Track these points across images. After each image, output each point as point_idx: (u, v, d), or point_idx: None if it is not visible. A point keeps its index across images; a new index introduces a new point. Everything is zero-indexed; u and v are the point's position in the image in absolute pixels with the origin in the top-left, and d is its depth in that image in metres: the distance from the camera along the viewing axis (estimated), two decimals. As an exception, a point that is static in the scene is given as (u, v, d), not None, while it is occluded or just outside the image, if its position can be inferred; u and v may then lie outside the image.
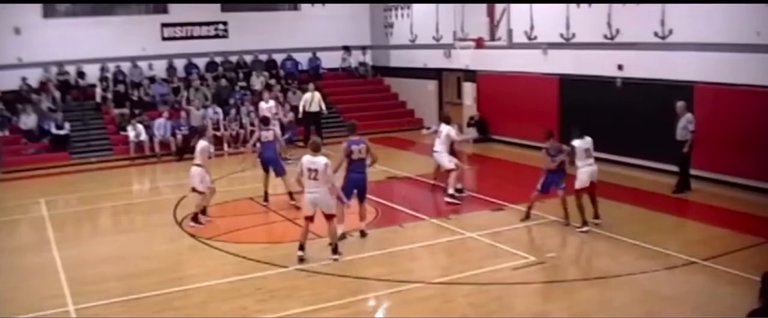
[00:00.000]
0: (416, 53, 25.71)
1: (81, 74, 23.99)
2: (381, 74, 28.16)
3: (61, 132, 21.32)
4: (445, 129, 14.80)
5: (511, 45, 21.01)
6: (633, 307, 8.82)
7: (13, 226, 14.29)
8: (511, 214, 13.53)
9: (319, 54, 27.22)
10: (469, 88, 23.43)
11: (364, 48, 28.11)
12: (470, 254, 11.43)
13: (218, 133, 22.32)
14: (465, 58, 22.33)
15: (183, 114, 22.36)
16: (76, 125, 22.25)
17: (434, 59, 24.76)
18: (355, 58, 28.00)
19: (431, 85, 25.55)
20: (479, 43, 21.66)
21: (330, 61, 27.65)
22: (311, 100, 22.17)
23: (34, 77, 23.15)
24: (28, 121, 21.71)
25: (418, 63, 25.65)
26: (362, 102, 25.94)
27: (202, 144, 13.18)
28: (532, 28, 20.16)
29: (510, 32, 21.05)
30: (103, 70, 24.08)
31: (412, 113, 26.61)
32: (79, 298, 9.53)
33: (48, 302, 9.48)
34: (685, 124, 14.19)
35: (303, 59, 27.12)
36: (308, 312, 8.90)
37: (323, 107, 22.43)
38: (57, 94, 23.01)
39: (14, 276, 10.80)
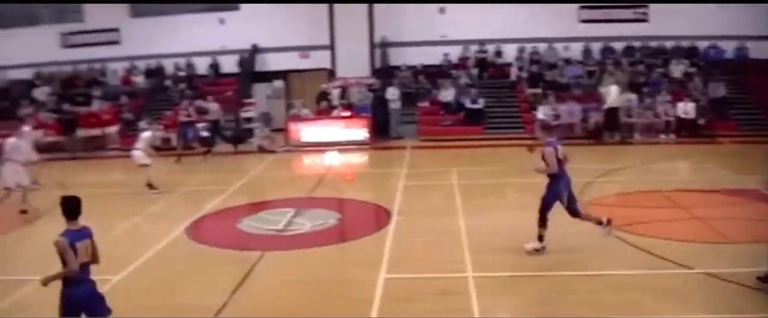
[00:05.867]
0: None
1: (498, 53, 24.95)
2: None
3: (475, 106, 22.44)
4: None
5: None
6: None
7: (426, 191, 15.33)
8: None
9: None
10: None
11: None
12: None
13: (630, 120, 21.59)
14: None
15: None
16: (491, 102, 23.23)
17: None
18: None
19: None
20: None
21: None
22: None
23: (454, 54, 24.74)
24: (446, 94, 23.24)
25: None
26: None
27: None
28: None
29: None
30: (520, 50, 24.75)
31: None
32: (477, 266, 9.83)
33: (448, 266, 9.97)
34: None
35: (728, 48, 24.79)
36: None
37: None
38: (474, 71, 24.25)
39: (423, 238, 11.58)
